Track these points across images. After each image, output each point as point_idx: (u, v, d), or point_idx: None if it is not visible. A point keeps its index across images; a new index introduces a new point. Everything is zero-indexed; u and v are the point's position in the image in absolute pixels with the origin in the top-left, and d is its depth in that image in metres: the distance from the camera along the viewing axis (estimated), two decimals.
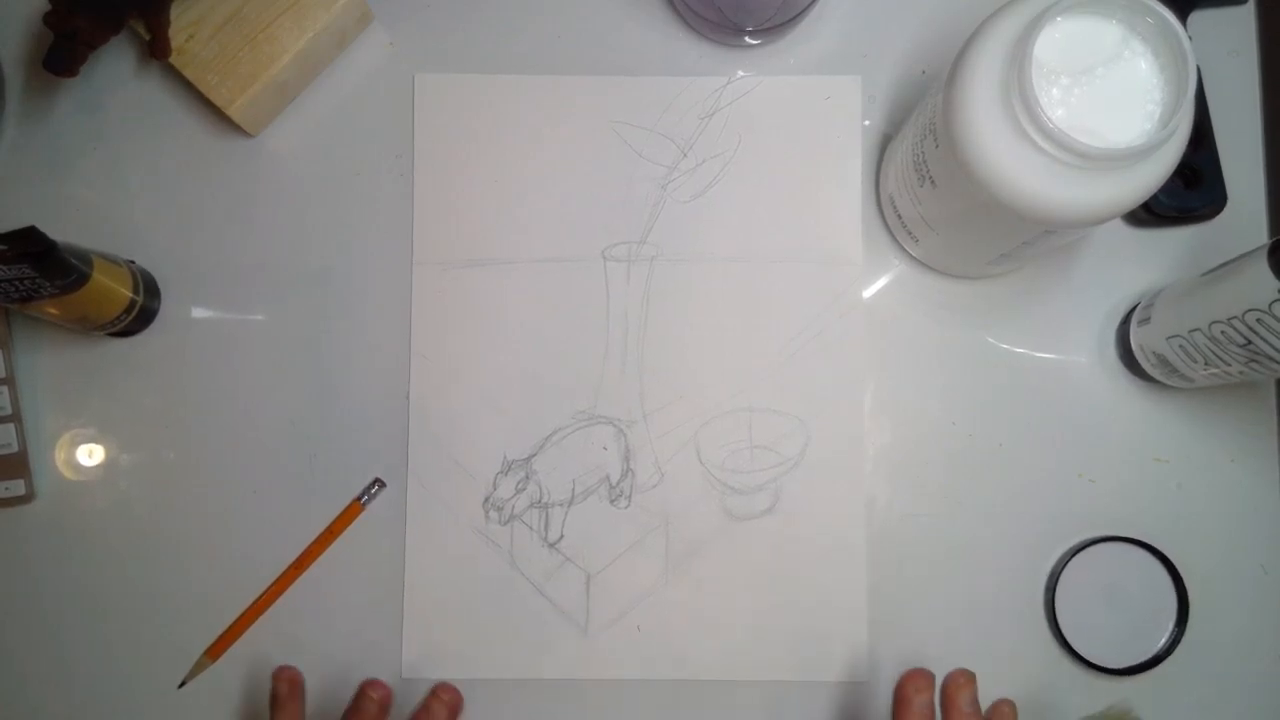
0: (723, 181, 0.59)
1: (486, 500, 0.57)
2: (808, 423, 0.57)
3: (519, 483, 0.57)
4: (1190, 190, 0.56)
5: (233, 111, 0.56)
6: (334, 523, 0.57)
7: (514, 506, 0.57)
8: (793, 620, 0.56)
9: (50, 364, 0.58)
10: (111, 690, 0.57)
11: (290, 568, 0.56)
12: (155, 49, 0.55)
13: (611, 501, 0.57)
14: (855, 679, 0.56)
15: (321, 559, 0.57)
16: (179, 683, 0.56)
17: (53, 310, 0.52)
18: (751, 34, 0.57)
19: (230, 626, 0.56)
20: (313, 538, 0.57)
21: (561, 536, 0.57)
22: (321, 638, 0.57)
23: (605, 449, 0.57)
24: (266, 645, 0.57)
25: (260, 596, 0.56)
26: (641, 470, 0.57)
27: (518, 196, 0.59)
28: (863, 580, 0.56)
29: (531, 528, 0.57)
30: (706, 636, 0.56)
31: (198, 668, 0.56)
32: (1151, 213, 0.56)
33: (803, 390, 0.57)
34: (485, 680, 0.56)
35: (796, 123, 0.59)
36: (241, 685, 0.57)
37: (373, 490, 0.57)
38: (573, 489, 0.57)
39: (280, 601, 0.57)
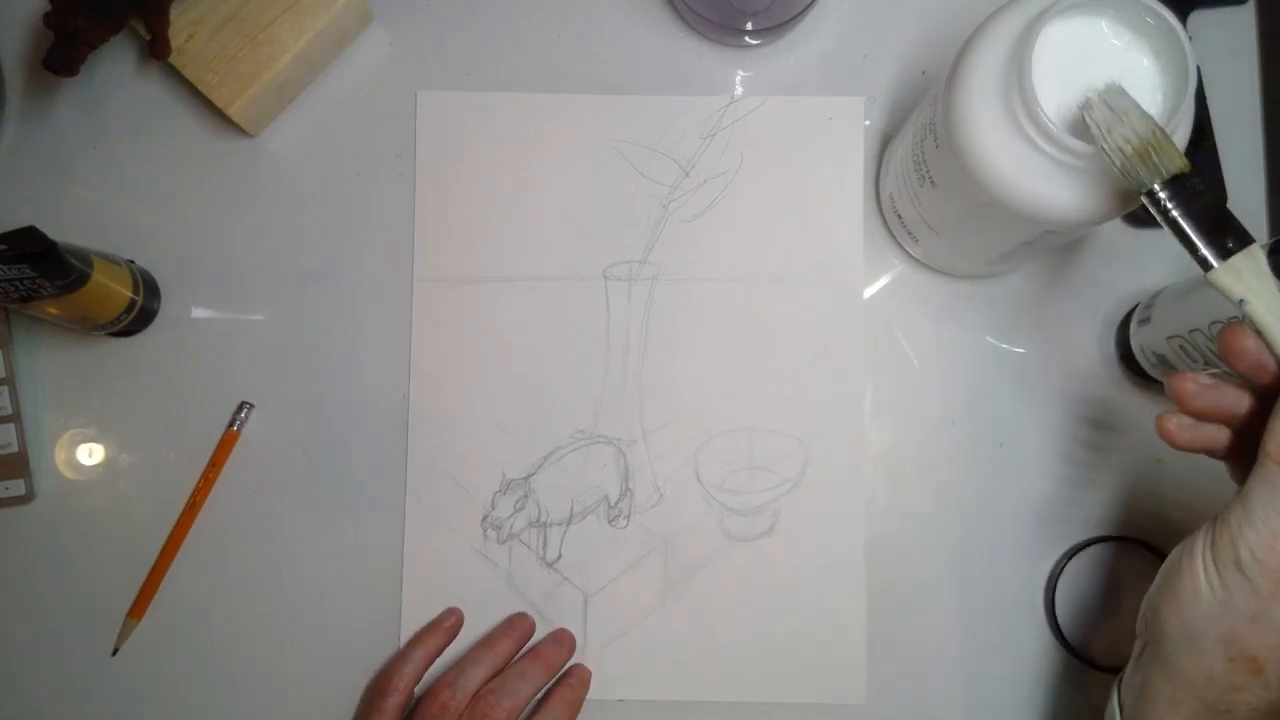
0: (724, 201, 0.59)
1: (485, 519, 0.57)
2: (807, 443, 0.57)
3: (518, 501, 0.57)
4: None
5: (233, 111, 0.56)
6: (215, 454, 0.57)
7: (512, 525, 0.57)
8: (791, 643, 0.56)
9: (50, 364, 0.58)
10: (112, 687, 0.57)
11: (186, 509, 0.57)
12: (155, 49, 0.55)
13: (610, 521, 0.57)
14: (852, 702, 0.55)
15: (320, 576, 0.57)
16: (112, 650, 0.56)
17: (53, 310, 0.52)
18: (752, 34, 0.57)
19: (145, 583, 0.56)
20: (310, 538, 0.57)
21: (560, 556, 0.57)
22: (318, 655, 0.57)
23: (604, 467, 0.57)
24: (265, 659, 0.57)
25: (164, 546, 0.56)
26: (640, 490, 0.57)
27: (519, 215, 0.59)
28: (862, 603, 0.56)
29: (530, 547, 0.57)
30: (704, 658, 0.56)
31: (125, 630, 0.56)
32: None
33: (802, 411, 0.57)
34: None
35: (799, 143, 0.59)
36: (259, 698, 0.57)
37: (242, 415, 0.57)
38: (571, 508, 0.57)
39: (277, 618, 0.57)
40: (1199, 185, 0.39)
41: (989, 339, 0.58)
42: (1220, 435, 0.40)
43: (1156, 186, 0.39)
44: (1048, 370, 0.58)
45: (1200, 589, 0.38)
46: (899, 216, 0.55)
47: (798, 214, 0.59)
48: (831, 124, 0.59)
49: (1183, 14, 0.56)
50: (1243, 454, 0.39)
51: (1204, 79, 0.56)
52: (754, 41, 0.59)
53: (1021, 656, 0.56)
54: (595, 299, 0.58)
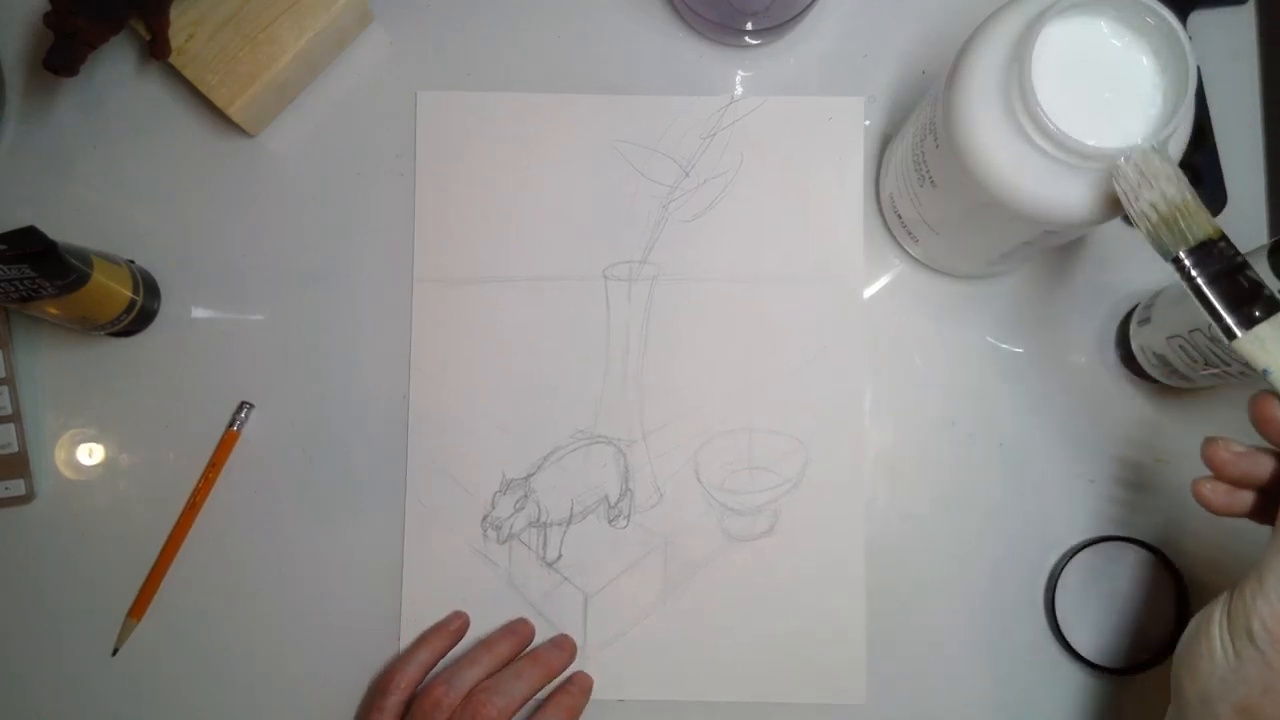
0: (724, 201, 0.59)
1: (485, 519, 0.57)
2: (807, 443, 0.57)
3: (517, 502, 0.57)
4: None
5: (233, 112, 0.56)
6: (215, 454, 0.57)
7: (512, 525, 0.57)
8: (791, 643, 0.56)
9: (50, 364, 0.58)
10: (112, 687, 0.57)
11: (186, 509, 0.57)
12: (155, 49, 0.55)
13: (610, 521, 0.57)
14: (852, 702, 0.55)
15: (320, 576, 0.57)
16: (112, 650, 0.56)
17: (53, 310, 0.52)
18: (752, 34, 0.57)
19: (145, 582, 0.56)
20: (310, 538, 0.57)
21: (560, 556, 0.57)
22: (318, 655, 0.57)
23: (604, 467, 0.57)
24: (265, 659, 0.57)
25: (164, 546, 0.56)
26: (640, 490, 0.57)
27: (519, 214, 0.59)
28: (862, 603, 0.56)
29: (529, 547, 0.57)
30: (704, 658, 0.56)
31: (125, 630, 0.56)
32: None
33: (802, 411, 0.57)
34: None
35: (799, 143, 0.59)
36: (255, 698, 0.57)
37: (242, 415, 0.57)
38: (571, 508, 0.57)
39: (277, 618, 0.57)
40: (1228, 249, 0.39)
41: (989, 339, 0.58)
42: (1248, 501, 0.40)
43: (1182, 254, 0.39)
44: (1048, 370, 0.58)
45: (1216, 657, 0.38)
46: (899, 216, 0.55)
47: (798, 214, 0.59)
48: (831, 124, 0.59)
49: (1183, 14, 0.56)
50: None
51: (1204, 79, 0.56)
52: (754, 41, 0.59)
53: (1021, 656, 0.56)
54: (595, 299, 0.58)
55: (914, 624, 0.56)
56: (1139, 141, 0.40)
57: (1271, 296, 0.38)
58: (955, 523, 0.57)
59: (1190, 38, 0.40)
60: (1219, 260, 0.39)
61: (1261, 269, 0.43)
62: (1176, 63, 0.41)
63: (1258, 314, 0.38)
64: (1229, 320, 0.38)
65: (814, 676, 0.56)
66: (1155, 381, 0.56)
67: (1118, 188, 0.40)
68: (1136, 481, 0.57)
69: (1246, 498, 0.40)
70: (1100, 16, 0.42)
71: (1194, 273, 0.39)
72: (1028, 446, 0.57)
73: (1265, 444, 0.39)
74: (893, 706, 0.56)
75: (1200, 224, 0.39)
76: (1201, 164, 0.56)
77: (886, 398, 0.57)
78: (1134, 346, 0.55)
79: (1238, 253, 0.39)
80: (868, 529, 0.56)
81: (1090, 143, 0.40)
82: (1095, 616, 0.55)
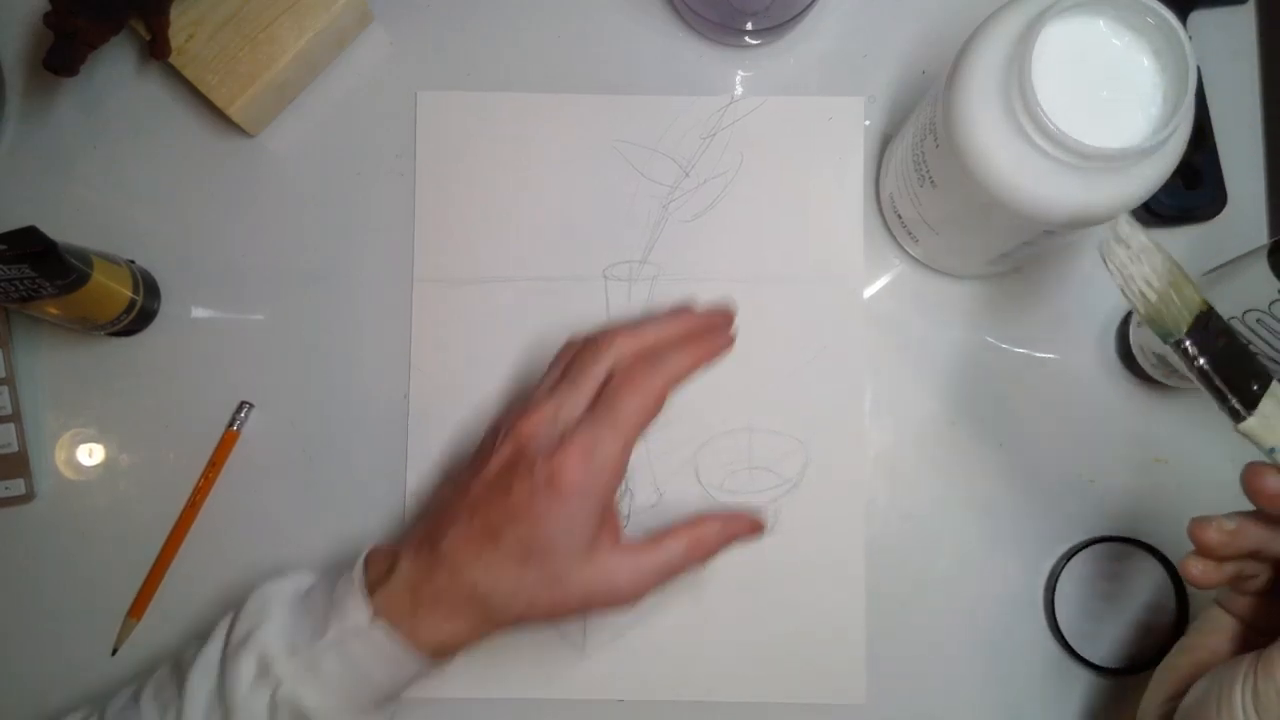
0: (724, 201, 0.59)
1: None
2: (807, 443, 0.57)
3: None
4: (1190, 190, 0.56)
5: (233, 112, 0.56)
6: (215, 454, 0.57)
7: None
8: (791, 643, 0.56)
9: (50, 364, 0.58)
10: (112, 687, 0.57)
11: (186, 509, 0.57)
12: (155, 49, 0.55)
13: None
14: (852, 702, 0.55)
15: None
16: (112, 650, 0.56)
17: (53, 310, 0.52)
18: (752, 34, 0.57)
19: (145, 582, 0.56)
20: (309, 538, 0.57)
21: None
22: None
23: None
24: None
25: (164, 546, 0.57)
26: (640, 490, 0.57)
27: (519, 214, 0.59)
28: (861, 603, 0.56)
29: None
30: (704, 658, 0.56)
31: (125, 630, 0.56)
32: (1151, 213, 0.56)
33: (802, 411, 0.57)
34: (481, 700, 0.56)
35: (799, 143, 0.59)
36: None
37: (241, 415, 0.57)
38: None
39: None
40: (1218, 321, 0.38)
41: (989, 339, 0.58)
42: (1237, 567, 0.40)
43: (1185, 340, 0.38)
44: (1048, 370, 0.58)
45: None
46: (899, 216, 0.55)
47: (798, 214, 0.59)
48: (831, 124, 0.59)
49: (1183, 14, 0.56)
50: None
51: (1204, 79, 0.56)
52: (754, 41, 0.59)
53: (1021, 656, 0.56)
54: (595, 299, 0.58)
55: (914, 624, 0.56)
56: (1138, 142, 0.40)
57: (1261, 366, 0.38)
58: (955, 523, 0.57)
59: (1190, 38, 0.40)
60: (1213, 335, 0.38)
61: (1261, 269, 0.43)
62: (1176, 63, 0.41)
63: (1255, 388, 0.37)
64: (1234, 402, 0.38)
65: (814, 676, 0.56)
66: (1155, 381, 0.56)
67: (1110, 267, 0.39)
68: (1136, 481, 0.57)
69: (1231, 568, 0.40)
70: (1100, 16, 0.42)
71: (1200, 360, 0.38)
72: (1028, 446, 0.57)
73: (1252, 508, 0.39)
74: (893, 706, 0.56)
75: (1191, 297, 0.38)
76: (1201, 164, 0.56)
77: (886, 398, 0.57)
78: (1133, 346, 0.55)
79: (1225, 323, 0.38)
80: (868, 529, 0.56)
81: (1090, 143, 0.40)
82: (1095, 616, 0.55)
